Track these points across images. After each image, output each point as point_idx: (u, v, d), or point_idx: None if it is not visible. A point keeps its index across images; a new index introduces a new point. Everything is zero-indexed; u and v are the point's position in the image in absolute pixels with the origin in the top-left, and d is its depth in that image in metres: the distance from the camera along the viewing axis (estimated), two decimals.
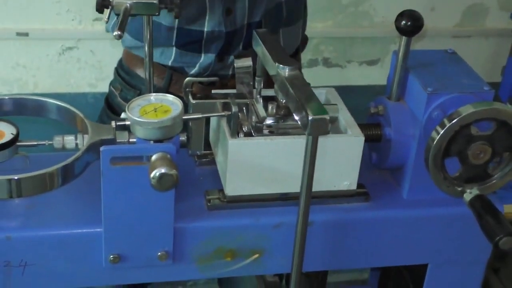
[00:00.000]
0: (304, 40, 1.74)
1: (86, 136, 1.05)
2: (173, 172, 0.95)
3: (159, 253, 1.07)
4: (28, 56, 2.21)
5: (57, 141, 1.06)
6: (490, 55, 2.58)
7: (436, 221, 1.18)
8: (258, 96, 1.18)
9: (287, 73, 1.04)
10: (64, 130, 1.09)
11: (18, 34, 2.15)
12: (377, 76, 2.48)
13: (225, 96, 1.15)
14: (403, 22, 1.11)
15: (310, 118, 0.92)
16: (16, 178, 0.98)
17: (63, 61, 2.24)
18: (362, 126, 1.15)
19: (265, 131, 1.13)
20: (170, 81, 1.58)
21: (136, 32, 1.53)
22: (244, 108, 1.15)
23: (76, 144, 1.05)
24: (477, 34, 2.54)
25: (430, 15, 2.41)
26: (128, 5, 1.12)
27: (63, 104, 1.11)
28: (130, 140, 1.04)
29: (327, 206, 1.13)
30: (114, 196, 1.01)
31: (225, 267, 1.13)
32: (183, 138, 1.07)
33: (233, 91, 1.19)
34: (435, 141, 1.08)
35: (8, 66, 2.21)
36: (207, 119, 1.16)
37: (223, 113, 1.10)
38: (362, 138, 1.11)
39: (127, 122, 1.03)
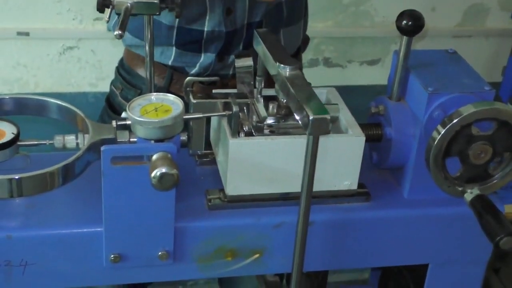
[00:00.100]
0: (306, 40, 1.74)
1: (86, 135, 1.05)
2: (174, 171, 0.95)
3: (159, 253, 1.07)
4: (29, 55, 2.21)
5: (57, 140, 1.05)
6: (491, 55, 2.58)
7: (437, 221, 1.18)
8: (259, 96, 1.18)
9: (287, 72, 1.04)
10: (64, 130, 1.09)
11: (19, 33, 2.15)
12: (377, 76, 2.47)
13: (226, 95, 1.15)
14: (404, 22, 1.11)
15: (311, 117, 0.92)
16: (16, 177, 0.98)
17: (63, 61, 2.24)
18: (363, 126, 1.15)
19: (266, 131, 1.13)
20: (171, 80, 1.58)
21: (136, 30, 1.53)
22: (244, 107, 1.15)
23: (77, 144, 1.05)
24: (477, 34, 2.54)
25: (431, 15, 2.41)
26: (129, 4, 1.12)
27: (63, 104, 1.11)
28: (131, 139, 1.04)
29: (327, 206, 1.13)
30: (115, 196, 1.01)
31: (226, 267, 1.13)
32: (183, 137, 1.07)
33: (234, 90, 1.19)
34: (436, 141, 1.08)
35: (8, 65, 2.21)
36: (208, 119, 1.16)
37: (223, 113, 1.10)
38: (362, 138, 1.11)
39: (128, 122, 1.03)
